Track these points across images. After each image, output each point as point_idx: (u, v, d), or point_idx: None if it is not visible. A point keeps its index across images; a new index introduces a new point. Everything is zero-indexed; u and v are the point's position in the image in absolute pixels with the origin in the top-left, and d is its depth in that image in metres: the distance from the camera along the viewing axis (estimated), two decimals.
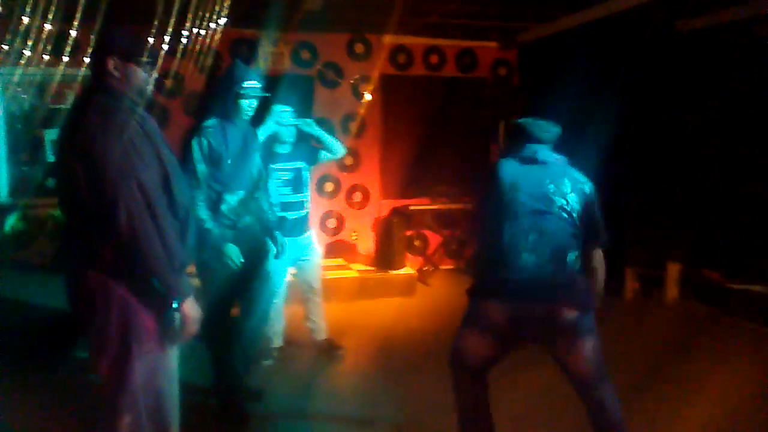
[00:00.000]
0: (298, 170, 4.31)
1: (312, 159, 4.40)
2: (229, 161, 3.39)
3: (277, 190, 4.19)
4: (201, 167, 3.35)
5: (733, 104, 5.56)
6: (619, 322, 5.51)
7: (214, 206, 3.41)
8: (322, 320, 4.66)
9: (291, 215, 4.25)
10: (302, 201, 4.33)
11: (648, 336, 5.15)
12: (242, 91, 3.42)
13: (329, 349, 4.62)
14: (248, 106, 3.48)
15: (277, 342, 4.51)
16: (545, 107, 5.70)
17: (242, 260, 3.45)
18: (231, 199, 3.44)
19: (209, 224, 3.35)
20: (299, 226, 4.33)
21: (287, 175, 4.27)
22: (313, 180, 7.02)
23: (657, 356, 4.60)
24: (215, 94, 3.51)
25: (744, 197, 5.46)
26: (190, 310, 2.27)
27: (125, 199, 2.08)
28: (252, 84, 3.45)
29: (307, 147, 4.43)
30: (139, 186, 2.11)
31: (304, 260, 4.47)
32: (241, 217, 3.48)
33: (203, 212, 3.35)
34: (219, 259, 3.39)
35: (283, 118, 4.21)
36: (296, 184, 4.29)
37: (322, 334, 4.67)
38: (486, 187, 2.88)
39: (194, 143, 3.36)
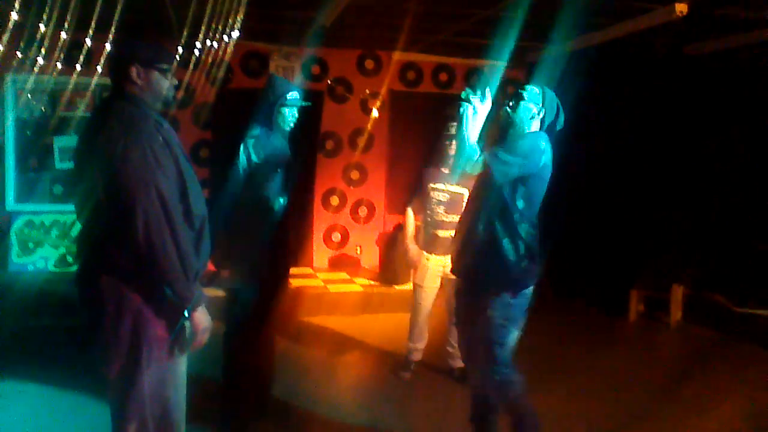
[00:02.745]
0: (459, 195, 4.26)
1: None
2: (278, 169, 3.52)
3: (431, 208, 4.31)
4: (235, 174, 3.46)
5: (741, 128, 5.59)
6: (623, 345, 5.51)
7: (253, 212, 3.48)
8: None
9: (441, 233, 4.30)
10: (455, 222, 4.24)
11: (651, 359, 5.14)
12: (287, 102, 3.55)
13: (462, 377, 4.33)
14: (291, 115, 3.60)
15: (417, 357, 4.51)
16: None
17: (267, 269, 3.52)
18: (275, 206, 3.53)
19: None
20: (447, 245, 4.26)
21: (443, 197, 4.30)
22: (319, 193, 7.11)
23: (660, 379, 4.58)
24: (258, 106, 3.60)
25: (751, 221, 5.47)
26: (202, 319, 2.27)
27: (143, 206, 2.09)
28: (294, 95, 3.58)
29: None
30: (158, 193, 2.12)
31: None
32: (275, 225, 3.55)
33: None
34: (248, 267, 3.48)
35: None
36: (450, 205, 4.27)
37: (459, 362, 4.33)
38: None
39: (241, 150, 3.48)
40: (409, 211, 4.54)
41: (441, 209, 4.29)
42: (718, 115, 5.81)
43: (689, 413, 4.01)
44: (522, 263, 2.94)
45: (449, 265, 4.28)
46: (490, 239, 2.95)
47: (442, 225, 4.29)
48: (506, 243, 2.92)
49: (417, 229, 4.53)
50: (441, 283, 4.40)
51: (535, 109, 3.01)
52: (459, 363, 4.34)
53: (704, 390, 4.39)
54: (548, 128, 3.07)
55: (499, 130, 3.09)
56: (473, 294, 3.07)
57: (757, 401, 4.21)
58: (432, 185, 4.34)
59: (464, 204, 4.16)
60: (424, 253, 4.39)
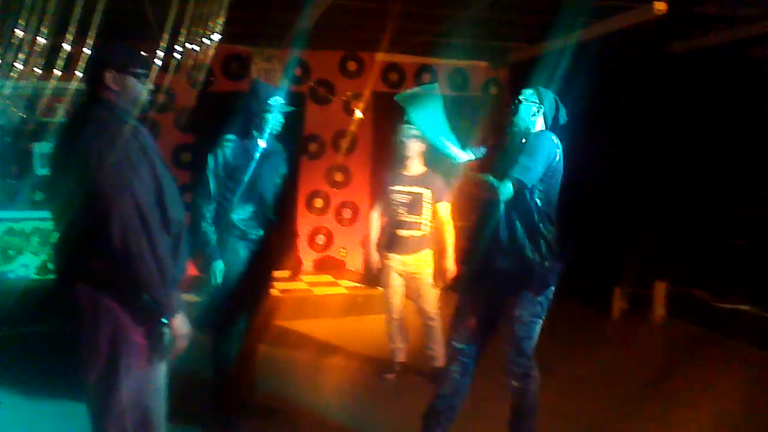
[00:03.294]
0: (418, 195, 4.29)
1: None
2: (249, 176, 3.51)
3: (393, 209, 4.33)
4: (212, 180, 3.48)
5: (722, 125, 5.63)
6: (607, 341, 5.54)
7: (227, 216, 3.51)
8: (440, 346, 4.36)
9: (403, 233, 4.32)
10: (416, 222, 4.31)
11: (635, 355, 5.17)
12: (271, 108, 3.54)
13: (435, 377, 4.31)
14: (276, 120, 3.60)
15: (400, 357, 4.52)
16: None
17: (246, 273, 3.55)
18: (243, 212, 3.53)
19: (209, 238, 3.47)
20: (410, 244, 4.33)
21: (403, 198, 4.31)
22: (303, 196, 7.09)
23: (643, 375, 4.61)
24: (238, 111, 3.60)
25: (732, 217, 5.51)
26: (180, 326, 2.25)
27: (119, 212, 2.07)
28: (278, 100, 3.57)
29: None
30: (134, 200, 2.09)
31: (416, 283, 4.39)
32: (252, 230, 3.57)
33: (206, 225, 3.47)
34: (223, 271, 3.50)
35: (405, 134, 4.30)
36: (410, 206, 4.29)
37: (439, 360, 4.35)
38: None
39: (210, 156, 3.50)
40: (374, 216, 4.57)
41: (402, 210, 4.31)
42: (697, 113, 5.84)
43: (672, 408, 4.04)
44: (545, 262, 3.04)
45: (412, 265, 4.34)
46: (512, 240, 3.04)
47: (403, 225, 4.32)
48: (529, 243, 3.03)
49: (382, 230, 4.55)
50: (408, 284, 4.41)
51: (534, 108, 3.14)
52: (442, 361, 4.37)
53: (687, 385, 4.43)
54: (552, 125, 3.20)
55: (505, 135, 3.23)
56: (498, 293, 3.15)
57: (739, 395, 4.25)
58: (392, 187, 4.36)
59: (423, 204, 4.28)
60: (386, 253, 4.42)
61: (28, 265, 6.12)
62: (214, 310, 3.54)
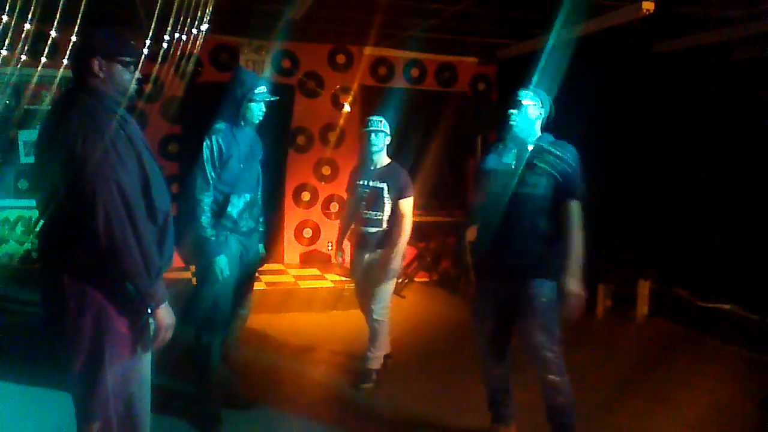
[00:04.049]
0: (378, 189, 4.17)
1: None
2: (241, 165, 3.50)
3: (359, 204, 4.24)
4: (209, 168, 3.44)
5: (706, 125, 5.67)
6: (590, 339, 5.57)
7: (221, 208, 3.49)
8: (380, 350, 4.31)
9: (362, 229, 4.23)
10: (377, 219, 4.17)
11: (618, 352, 5.21)
12: (255, 97, 3.51)
13: (362, 379, 4.28)
14: (259, 110, 3.57)
15: (385, 349, 4.41)
16: None
17: (238, 265, 3.55)
18: (238, 202, 3.52)
19: (210, 232, 3.43)
20: (371, 241, 4.20)
21: (365, 193, 4.21)
22: (290, 188, 7.08)
23: (627, 373, 4.64)
24: (224, 100, 3.58)
25: (715, 217, 5.56)
26: (165, 316, 2.25)
27: (104, 202, 2.06)
28: (262, 90, 3.55)
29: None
30: (119, 189, 2.09)
31: (371, 281, 4.25)
32: (245, 221, 3.57)
33: (206, 219, 3.43)
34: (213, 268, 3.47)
35: (373, 127, 4.18)
36: (370, 201, 4.18)
37: (373, 363, 4.30)
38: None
39: (205, 145, 3.46)
40: (343, 220, 4.55)
41: (364, 206, 4.20)
42: (682, 113, 5.89)
43: (653, 405, 4.08)
44: (549, 257, 3.11)
45: (369, 261, 4.20)
46: (517, 239, 3.10)
47: (363, 222, 4.21)
48: (532, 242, 3.09)
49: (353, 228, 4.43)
50: (365, 280, 4.28)
51: (537, 111, 3.16)
52: (376, 365, 4.30)
53: (669, 382, 4.47)
54: (545, 124, 3.23)
55: (508, 137, 3.22)
56: (519, 285, 3.16)
57: (719, 392, 4.30)
58: (357, 182, 4.27)
59: (384, 199, 4.13)
60: (355, 250, 4.33)
61: (12, 254, 6.08)
62: (200, 301, 3.53)
